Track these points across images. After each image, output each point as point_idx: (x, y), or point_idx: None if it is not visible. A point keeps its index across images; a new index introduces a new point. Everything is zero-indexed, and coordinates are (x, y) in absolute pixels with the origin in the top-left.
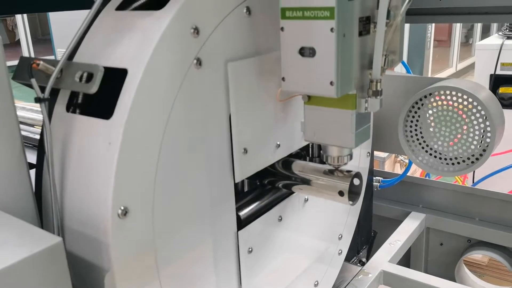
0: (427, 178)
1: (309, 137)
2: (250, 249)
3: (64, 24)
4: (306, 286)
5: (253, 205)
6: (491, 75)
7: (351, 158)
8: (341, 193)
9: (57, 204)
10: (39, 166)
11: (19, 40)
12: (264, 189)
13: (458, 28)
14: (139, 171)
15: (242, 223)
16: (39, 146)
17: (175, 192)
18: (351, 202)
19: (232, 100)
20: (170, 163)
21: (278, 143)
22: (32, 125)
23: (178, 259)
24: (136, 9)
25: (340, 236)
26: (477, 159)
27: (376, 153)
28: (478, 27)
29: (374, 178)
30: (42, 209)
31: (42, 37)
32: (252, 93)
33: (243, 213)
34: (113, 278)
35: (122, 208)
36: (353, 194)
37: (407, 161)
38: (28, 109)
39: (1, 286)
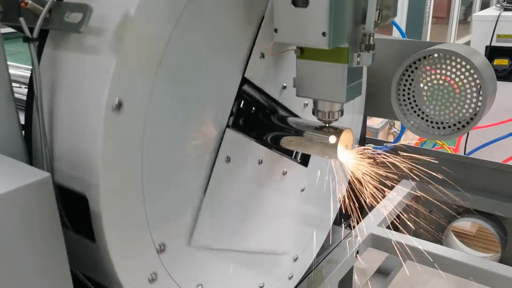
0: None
1: (301, 92)
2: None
3: None
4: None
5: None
6: (486, 47)
7: (342, 114)
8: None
9: (46, 145)
10: (28, 109)
11: None
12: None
13: (457, 5)
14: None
15: (233, 115)
16: (29, 89)
17: (164, 142)
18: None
19: None
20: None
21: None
22: (24, 84)
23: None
24: None
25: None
26: (467, 123)
27: (369, 123)
28: (477, 4)
29: (365, 145)
30: (32, 152)
31: None
32: None
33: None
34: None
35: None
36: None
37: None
38: (16, 66)
39: None
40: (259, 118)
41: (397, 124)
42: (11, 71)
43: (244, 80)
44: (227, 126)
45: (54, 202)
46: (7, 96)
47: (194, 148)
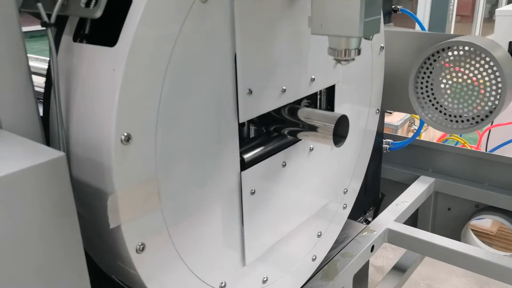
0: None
1: (316, 30)
2: (253, 191)
3: None
4: (308, 236)
5: (258, 149)
6: (510, 42)
7: (359, 53)
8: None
9: (63, 131)
10: (46, 96)
11: None
12: (270, 136)
13: (481, 3)
14: (142, 99)
15: (245, 165)
16: (47, 76)
17: (178, 125)
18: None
19: (238, 38)
20: (173, 96)
21: (284, 88)
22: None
23: (181, 193)
24: None
25: (345, 190)
26: (486, 116)
27: (388, 120)
28: (503, 1)
29: (384, 140)
30: (50, 139)
31: None
32: (259, 32)
33: (247, 156)
34: (115, 201)
35: (125, 134)
36: (337, 137)
37: None
38: (41, 60)
39: (5, 192)
40: (269, 136)
41: (418, 121)
42: (35, 64)
43: (242, 123)
44: (241, 168)
45: (68, 181)
46: (26, 82)
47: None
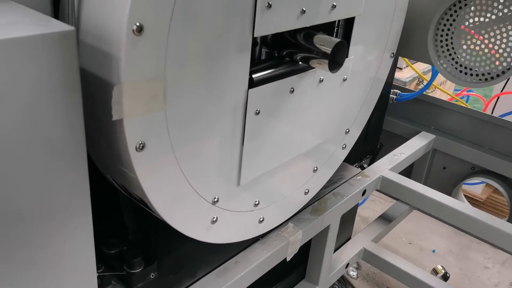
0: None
1: None
2: (258, 111)
3: None
4: (305, 169)
5: (267, 70)
6: None
7: None
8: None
9: (73, 17)
10: None
11: None
12: (281, 60)
13: None
14: None
15: (254, 84)
16: None
17: (192, 26)
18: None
19: None
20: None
21: (303, 8)
22: None
23: (186, 98)
24: None
25: (347, 130)
26: (497, 75)
27: (397, 76)
28: None
29: (391, 90)
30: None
31: None
32: None
33: (256, 75)
34: (120, 92)
35: (138, 24)
36: (333, 63)
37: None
38: None
39: (13, 55)
40: (280, 60)
41: (426, 82)
42: None
43: (255, 39)
44: (249, 86)
45: (76, 58)
46: None
47: (220, 107)
